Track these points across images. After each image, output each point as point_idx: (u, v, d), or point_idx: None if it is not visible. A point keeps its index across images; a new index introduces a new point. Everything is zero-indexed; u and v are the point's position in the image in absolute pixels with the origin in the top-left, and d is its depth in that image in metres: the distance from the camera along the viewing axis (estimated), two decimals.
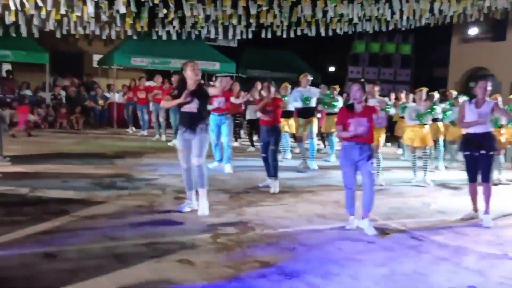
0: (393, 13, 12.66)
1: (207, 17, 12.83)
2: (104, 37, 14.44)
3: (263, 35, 14.50)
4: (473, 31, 20.44)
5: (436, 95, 9.76)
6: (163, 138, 12.52)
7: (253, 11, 11.88)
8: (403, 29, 14.51)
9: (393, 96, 12.00)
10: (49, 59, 15.50)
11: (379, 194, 5.85)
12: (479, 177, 5.96)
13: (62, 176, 7.49)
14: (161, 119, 12.69)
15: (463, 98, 9.78)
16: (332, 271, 4.09)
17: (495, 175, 7.74)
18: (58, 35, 13.68)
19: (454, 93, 10.60)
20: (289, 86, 10.05)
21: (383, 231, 5.31)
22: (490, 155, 5.83)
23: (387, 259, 4.46)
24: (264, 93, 7.47)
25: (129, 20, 11.97)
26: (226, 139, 8.58)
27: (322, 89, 10.95)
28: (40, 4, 10.25)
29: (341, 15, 12.85)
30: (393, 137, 12.42)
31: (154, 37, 14.27)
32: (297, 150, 10.85)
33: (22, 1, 10.06)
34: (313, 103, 9.07)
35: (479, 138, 5.81)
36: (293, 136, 10.64)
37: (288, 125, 9.78)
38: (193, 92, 5.49)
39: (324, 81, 19.68)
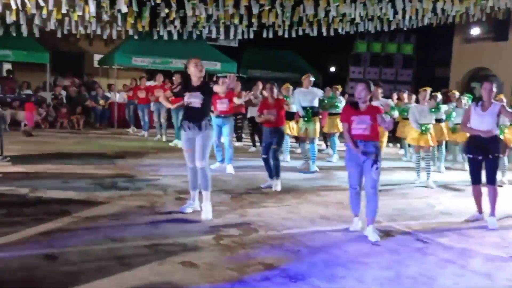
0: (395, 13, 12.60)
1: (208, 17, 12.77)
2: (105, 36, 14.40)
3: (264, 35, 14.45)
4: (475, 31, 20.36)
5: (439, 95, 9.70)
6: (164, 138, 12.46)
7: (255, 10, 11.82)
8: (405, 29, 14.45)
9: (395, 96, 11.95)
10: (49, 59, 15.44)
11: (382, 195, 5.79)
12: (482, 179, 5.91)
13: (63, 176, 7.43)
14: (163, 120, 12.63)
15: (466, 99, 9.76)
16: (338, 274, 4.03)
17: (498, 176, 7.68)
18: (59, 34, 13.64)
19: (457, 94, 10.54)
20: (291, 87, 9.98)
21: (387, 233, 5.25)
22: (495, 158, 5.78)
23: (392, 262, 4.41)
24: (266, 93, 7.43)
25: (130, 20, 11.92)
26: (227, 139, 8.54)
27: (327, 92, 10.85)
28: (42, 3, 10.19)
29: (343, 15, 12.79)
30: (394, 138, 12.38)
31: (155, 37, 14.21)
32: (298, 151, 10.83)
33: (23, 1, 10.00)
34: (315, 104, 9.00)
35: (484, 142, 5.75)
36: (295, 137, 10.59)
37: (289, 127, 9.73)
38: (197, 88, 5.49)
39: (325, 81, 19.67)
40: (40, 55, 15.31)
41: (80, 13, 11.15)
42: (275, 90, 7.33)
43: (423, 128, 8.06)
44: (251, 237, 4.93)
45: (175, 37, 14.10)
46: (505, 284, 4.06)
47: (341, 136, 9.24)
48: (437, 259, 4.55)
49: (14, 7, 10.07)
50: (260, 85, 11.21)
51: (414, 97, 10.69)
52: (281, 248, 4.63)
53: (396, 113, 8.45)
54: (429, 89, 8.29)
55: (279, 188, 7.06)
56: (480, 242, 5.19)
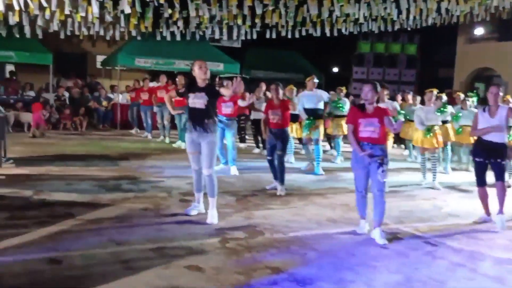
0: (399, 13, 12.53)
1: (212, 18, 12.72)
2: (108, 37, 14.36)
3: (267, 36, 14.40)
4: (479, 31, 20.29)
5: (444, 97, 9.61)
6: (167, 140, 12.40)
7: (259, 11, 11.77)
8: (409, 29, 14.37)
9: (399, 97, 11.87)
10: (52, 60, 15.41)
11: (389, 197, 5.71)
12: (487, 181, 5.88)
13: (66, 178, 7.38)
14: (166, 122, 12.56)
15: (471, 100, 9.68)
16: (346, 278, 3.96)
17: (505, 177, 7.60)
18: (62, 35, 13.60)
19: (462, 95, 10.43)
20: (295, 89, 9.89)
21: (395, 236, 5.18)
22: (502, 162, 5.73)
23: (402, 265, 4.34)
24: (270, 94, 7.36)
25: (133, 21, 11.87)
26: (230, 140, 8.48)
27: (332, 96, 10.73)
28: (45, 4, 10.15)
29: (347, 15, 12.71)
30: (398, 139, 12.29)
31: (158, 38, 14.16)
32: (302, 152, 10.74)
33: (26, 2, 9.96)
34: (320, 106, 8.91)
35: (493, 147, 5.68)
36: (299, 139, 10.52)
37: (293, 129, 9.66)
38: (202, 89, 5.46)
39: (328, 82, 19.59)
40: (43, 56, 15.28)
41: (83, 14, 11.11)
42: (280, 91, 7.26)
43: (429, 130, 7.96)
44: (257, 240, 4.86)
45: (178, 37, 14.05)
46: None
47: (345, 137, 9.16)
48: (447, 263, 4.48)
49: (17, 8, 10.03)
50: (263, 86, 11.15)
51: (419, 98, 10.61)
52: (287, 251, 4.56)
53: (402, 118, 8.37)
54: (435, 91, 8.20)
55: (283, 194, 6.98)
56: (490, 244, 5.12)
